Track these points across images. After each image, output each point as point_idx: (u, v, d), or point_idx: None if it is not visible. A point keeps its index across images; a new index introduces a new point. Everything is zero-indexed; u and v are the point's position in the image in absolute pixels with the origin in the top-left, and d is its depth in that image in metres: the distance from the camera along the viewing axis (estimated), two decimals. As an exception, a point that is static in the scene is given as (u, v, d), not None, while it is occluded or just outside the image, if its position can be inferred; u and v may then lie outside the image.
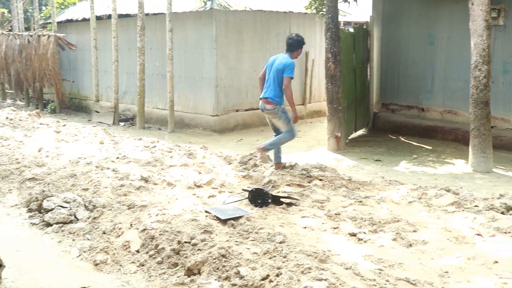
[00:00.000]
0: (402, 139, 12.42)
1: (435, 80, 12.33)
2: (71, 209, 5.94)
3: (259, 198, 6.12)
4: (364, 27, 13.13)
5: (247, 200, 6.18)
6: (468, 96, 9.70)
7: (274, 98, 7.83)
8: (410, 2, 12.57)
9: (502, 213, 5.90)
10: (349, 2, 12.86)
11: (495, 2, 10.67)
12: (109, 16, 16.29)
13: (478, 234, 5.20)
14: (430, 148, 11.46)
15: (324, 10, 11.23)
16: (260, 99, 8.04)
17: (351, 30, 12.80)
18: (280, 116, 7.92)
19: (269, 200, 6.10)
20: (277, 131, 8.17)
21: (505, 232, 5.25)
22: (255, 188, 6.22)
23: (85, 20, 17.76)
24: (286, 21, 15.52)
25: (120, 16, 16.11)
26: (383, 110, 13.46)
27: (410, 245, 4.96)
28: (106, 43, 17.16)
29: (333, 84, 11.02)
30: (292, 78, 7.74)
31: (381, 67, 13.36)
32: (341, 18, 16.05)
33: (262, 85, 8.07)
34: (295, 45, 7.96)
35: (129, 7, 16.37)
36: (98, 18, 16.99)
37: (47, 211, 5.96)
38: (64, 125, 11.57)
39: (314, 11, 13.42)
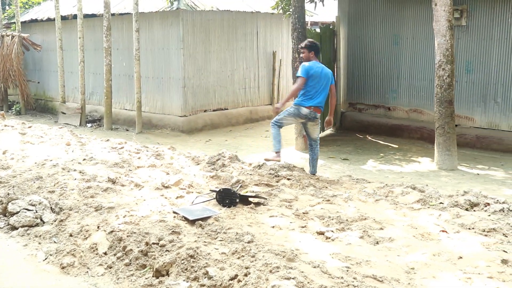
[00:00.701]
0: (369, 138, 12.56)
1: (401, 80, 12.51)
2: (37, 212, 5.86)
3: (227, 198, 6.11)
4: (331, 27, 13.24)
5: (215, 200, 6.18)
6: (433, 95, 9.87)
7: (323, 107, 8.16)
8: (376, 3, 12.72)
9: (466, 209, 6.02)
10: (315, 3, 12.96)
11: (457, 3, 10.88)
12: (75, 16, 16.11)
13: (443, 231, 5.28)
14: (397, 146, 11.62)
15: (291, 10, 11.30)
16: (309, 108, 7.96)
17: (318, 30, 12.88)
18: (319, 122, 8.32)
19: (237, 200, 6.11)
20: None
21: (469, 228, 5.36)
22: (222, 188, 6.22)
23: (50, 20, 17.52)
24: (253, 21, 15.56)
25: (86, 16, 15.95)
26: (350, 109, 13.59)
27: (377, 243, 5.01)
28: (72, 43, 16.95)
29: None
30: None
31: (347, 67, 13.49)
32: (308, 18, 16.17)
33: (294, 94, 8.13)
34: (318, 49, 8.28)
35: (95, 7, 16.21)
36: (64, 18, 16.78)
37: (12, 214, 5.87)
38: (29, 127, 11.39)
39: (281, 11, 13.49)
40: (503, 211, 5.87)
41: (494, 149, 10.89)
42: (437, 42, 9.43)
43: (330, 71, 8.09)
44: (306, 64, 7.98)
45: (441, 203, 6.20)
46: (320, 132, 12.56)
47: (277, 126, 8.11)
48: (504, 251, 4.73)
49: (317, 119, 8.13)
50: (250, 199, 6.21)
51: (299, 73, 7.95)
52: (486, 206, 6.06)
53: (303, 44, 8.21)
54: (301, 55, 8.33)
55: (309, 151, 8.40)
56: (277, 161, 7.96)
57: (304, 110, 7.96)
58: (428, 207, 6.08)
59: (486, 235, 5.16)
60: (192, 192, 6.62)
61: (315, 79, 7.91)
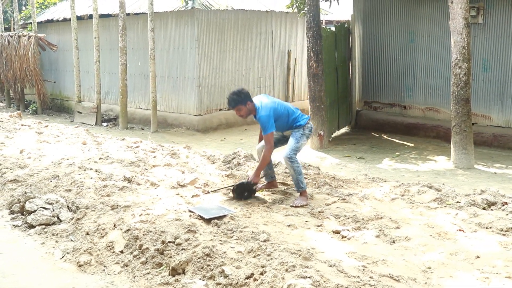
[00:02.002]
0: (385, 136, 12.50)
1: (417, 78, 12.44)
2: (54, 211, 5.90)
3: (245, 191, 6.27)
4: (346, 25, 13.19)
5: (232, 194, 6.35)
6: (449, 94, 9.80)
7: None
8: (391, 0, 12.65)
9: (484, 208, 5.97)
10: (330, 1, 12.92)
11: (474, 0, 10.79)
12: (90, 16, 16.20)
13: (460, 230, 5.25)
14: (413, 145, 11.56)
15: (306, 9, 11.27)
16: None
17: (333, 28, 12.85)
18: None
19: (255, 188, 6.34)
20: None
21: (486, 228, 5.31)
22: (237, 185, 6.37)
23: (65, 20, 17.63)
24: (268, 20, 15.55)
25: (101, 16, 16.02)
26: (365, 108, 13.53)
27: (393, 242, 4.99)
28: (88, 43, 17.06)
29: (315, 83, 11.05)
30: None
31: (363, 65, 13.43)
32: (322, 17, 16.11)
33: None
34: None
35: (110, 7, 16.29)
36: (79, 18, 16.88)
37: (30, 213, 5.91)
38: (46, 126, 11.47)
39: (296, 10, 13.46)
40: (521, 210, 5.81)
41: (511, 147, 10.79)
42: (453, 40, 9.36)
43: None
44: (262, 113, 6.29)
45: (458, 202, 6.16)
46: (335, 130, 12.61)
47: (296, 158, 6.42)
48: (522, 250, 4.69)
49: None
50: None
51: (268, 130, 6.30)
52: (503, 205, 6.01)
53: (232, 105, 6.42)
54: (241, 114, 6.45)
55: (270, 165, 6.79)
56: (307, 204, 6.18)
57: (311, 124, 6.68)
58: (445, 206, 6.04)
59: (504, 235, 5.11)
60: (208, 191, 6.62)
61: (277, 112, 6.37)
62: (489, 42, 11.05)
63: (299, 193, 6.36)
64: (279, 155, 6.84)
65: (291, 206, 6.08)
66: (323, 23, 18.57)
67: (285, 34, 16.20)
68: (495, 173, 9.20)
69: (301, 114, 6.64)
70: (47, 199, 6.04)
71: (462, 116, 9.43)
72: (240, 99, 6.33)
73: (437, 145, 11.41)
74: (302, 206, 6.09)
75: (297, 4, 13.20)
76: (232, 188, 6.41)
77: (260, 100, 6.46)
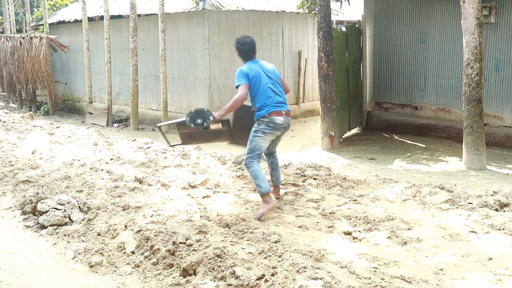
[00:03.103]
0: (396, 137, 12.45)
1: (428, 78, 12.37)
2: (65, 211, 5.93)
3: (199, 118, 5.62)
4: (357, 26, 13.15)
5: (186, 121, 5.68)
6: (461, 94, 9.74)
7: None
8: (402, 1, 12.60)
9: (496, 210, 5.93)
10: (341, 2, 12.88)
11: (486, 0, 10.72)
12: (101, 17, 16.27)
13: (472, 231, 5.22)
14: (424, 146, 11.50)
15: (316, 9, 11.24)
16: (281, 113, 6.00)
17: (344, 29, 12.82)
18: None
19: (211, 118, 5.58)
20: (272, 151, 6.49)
21: (499, 229, 5.28)
22: (194, 109, 5.72)
23: (77, 21, 17.73)
24: (279, 20, 15.54)
25: (112, 17, 16.09)
26: (376, 108, 13.49)
27: (405, 243, 4.97)
28: (99, 44, 17.13)
29: (326, 83, 11.03)
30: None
31: (374, 66, 13.39)
32: (333, 17, 16.09)
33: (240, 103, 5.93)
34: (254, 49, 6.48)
35: (121, 8, 16.35)
36: (90, 19, 16.96)
37: (42, 213, 5.94)
38: (57, 127, 11.53)
39: (307, 10, 13.45)
40: (534, 212, 5.77)
41: (524, 148, 10.72)
42: (465, 40, 9.30)
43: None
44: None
45: (470, 203, 6.12)
46: (346, 131, 12.57)
47: (255, 161, 5.94)
48: (535, 252, 4.65)
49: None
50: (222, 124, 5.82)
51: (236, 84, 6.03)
52: (516, 206, 5.97)
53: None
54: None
55: (269, 162, 6.53)
56: (272, 208, 5.82)
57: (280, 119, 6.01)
58: (457, 208, 6.01)
59: (516, 236, 5.08)
60: (219, 192, 6.63)
61: (268, 78, 6.12)
62: (501, 42, 10.98)
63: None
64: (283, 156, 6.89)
65: (256, 218, 5.59)
66: (334, 24, 18.55)
67: (296, 34, 16.19)
68: (508, 174, 9.14)
69: (266, 104, 5.92)
70: (59, 199, 6.07)
71: (474, 117, 9.37)
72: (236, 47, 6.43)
73: (448, 145, 11.34)
74: (263, 214, 5.66)
75: (308, 5, 13.18)
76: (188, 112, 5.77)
77: (255, 62, 6.31)
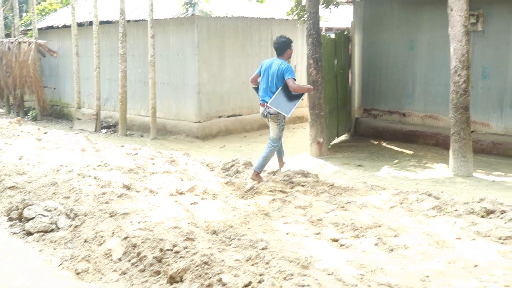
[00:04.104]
0: (384, 144, 12.50)
1: (416, 85, 12.44)
2: (52, 218, 5.90)
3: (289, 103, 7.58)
4: (346, 33, 13.21)
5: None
6: (448, 101, 9.80)
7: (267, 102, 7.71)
8: (391, 8, 12.68)
9: (482, 217, 5.97)
10: (330, 8, 12.95)
11: (473, 8, 10.79)
12: (91, 23, 16.23)
13: (459, 238, 5.25)
14: (412, 153, 11.55)
15: (306, 16, 11.29)
16: (261, 104, 7.82)
17: (333, 36, 12.87)
18: (280, 121, 7.76)
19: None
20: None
21: (485, 236, 5.31)
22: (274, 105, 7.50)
23: (66, 26, 17.67)
24: (268, 27, 15.57)
25: (102, 22, 16.06)
26: (365, 115, 13.54)
27: (392, 250, 4.99)
28: (88, 49, 17.08)
29: (314, 90, 11.05)
30: (294, 79, 7.58)
31: (362, 73, 13.44)
32: (322, 24, 16.15)
33: (256, 87, 8.16)
34: (281, 48, 7.88)
35: (110, 13, 16.32)
36: (80, 24, 16.92)
37: (28, 220, 5.91)
38: (45, 133, 11.49)
39: (296, 17, 13.49)
40: (520, 219, 5.81)
41: (510, 155, 10.78)
42: (452, 47, 9.37)
43: (283, 67, 7.67)
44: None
45: (456, 210, 6.16)
46: (335, 138, 12.60)
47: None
48: (521, 259, 4.69)
49: (275, 117, 7.68)
50: None
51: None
52: (502, 213, 6.01)
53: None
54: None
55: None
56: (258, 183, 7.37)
57: (260, 108, 7.92)
58: (444, 214, 6.05)
59: (502, 243, 5.12)
60: (207, 199, 6.63)
61: (263, 75, 7.97)
62: (488, 50, 11.07)
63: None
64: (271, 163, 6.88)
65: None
66: (323, 30, 18.61)
67: (285, 41, 16.19)
68: (494, 181, 9.20)
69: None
70: (46, 206, 6.04)
71: (461, 124, 9.43)
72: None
73: (436, 152, 11.40)
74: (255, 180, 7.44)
75: (297, 11, 13.23)
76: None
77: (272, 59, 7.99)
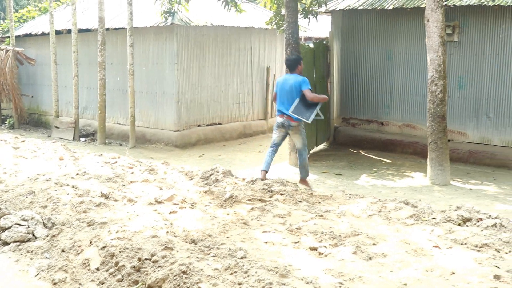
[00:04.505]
0: (363, 153, 12.58)
1: (394, 95, 12.56)
2: (29, 227, 5.83)
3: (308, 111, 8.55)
4: (324, 42, 13.30)
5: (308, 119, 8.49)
6: (426, 110, 9.92)
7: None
8: (369, 18, 12.81)
9: (459, 224, 6.04)
10: (309, 18, 13.04)
11: (449, 19, 10.97)
12: (69, 31, 16.15)
13: (436, 246, 5.30)
14: (390, 161, 11.65)
15: (285, 25, 11.35)
16: (280, 115, 8.75)
17: (311, 45, 12.95)
18: (301, 132, 8.85)
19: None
20: (279, 143, 9.04)
21: (461, 244, 5.37)
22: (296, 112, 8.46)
23: (44, 34, 17.55)
24: (247, 36, 15.63)
25: (81, 30, 15.99)
26: (343, 124, 13.63)
27: (370, 258, 5.01)
28: (66, 57, 16.98)
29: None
30: (311, 89, 8.63)
31: (341, 82, 13.54)
32: (301, 34, 16.25)
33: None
34: (293, 64, 8.86)
35: (89, 21, 16.25)
36: (58, 32, 16.82)
37: (4, 229, 5.83)
38: (22, 141, 11.38)
39: (275, 26, 13.56)
40: (496, 226, 5.88)
41: (486, 164, 10.94)
42: (429, 57, 9.49)
43: (299, 80, 8.63)
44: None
45: (434, 218, 6.22)
46: (314, 147, 12.64)
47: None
48: (496, 266, 4.74)
49: (295, 128, 8.76)
50: None
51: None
52: (478, 221, 6.08)
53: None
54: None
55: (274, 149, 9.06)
56: (307, 187, 8.50)
57: (279, 119, 8.81)
58: (421, 223, 6.10)
59: (478, 251, 5.17)
60: (186, 207, 6.61)
61: (278, 92, 8.80)
62: (464, 60, 11.24)
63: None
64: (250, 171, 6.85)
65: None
66: (302, 40, 18.72)
67: (264, 50, 16.30)
68: (471, 189, 9.31)
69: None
70: (22, 215, 5.97)
71: (438, 133, 9.54)
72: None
73: (414, 161, 11.51)
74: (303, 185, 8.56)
75: (276, 21, 13.29)
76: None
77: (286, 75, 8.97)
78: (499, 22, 10.74)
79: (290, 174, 10.41)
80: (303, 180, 8.88)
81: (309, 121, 8.58)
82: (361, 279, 4.49)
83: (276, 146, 8.99)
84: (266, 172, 8.71)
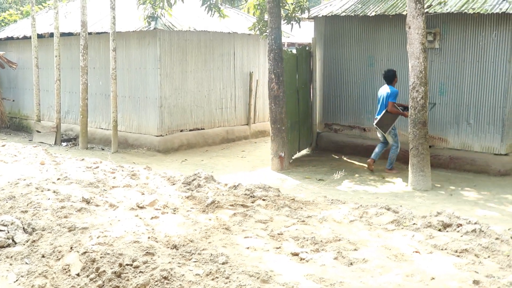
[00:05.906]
0: (345, 158, 12.64)
1: (376, 101, 12.62)
2: (8, 233, 5.78)
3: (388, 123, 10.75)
4: (307, 48, 13.36)
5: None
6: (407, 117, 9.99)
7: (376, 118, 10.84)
8: (351, 25, 12.89)
9: (439, 230, 6.10)
10: (292, 24, 13.09)
11: (430, 26, 11.08)
12: (51, 35, 16.05)
13: (416, 252, 5.34)
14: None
15: (268, 31, 11.40)
16: (375, 119, 10.93)
17: (294, 51, 13.00)
18: (390, 132, 10.77)
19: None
20: (383, 141, 11.18)
21: (441, 249, 5.42)
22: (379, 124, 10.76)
23: (26, 38, 17.42)
24: (230, 41, 15.65)
25: (63, 34, 15.90)
26: (326, 130, 13.68)
27: (351, 264, 5.04)
28: (48, 61, 16.87)
29: (276, 105, 11.15)
30: (394, 102, 10.56)
31: (323, 88, 13.60)
32: (284, 40, 16.30)
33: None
34: (390, 77, 10.76)
35: (71, 25, 16.17)
36: (40, 36, 16.71)
37: (-16, 235, 5.78)
38: (3, 145, 11.28)
39: (258, 32, 13.60)
40: (475, 232, 5.95)
41: (467, 169, 11.04)
42: (411, 64, 9.58)
43: (389, 92, 10.61)
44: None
45: (414, 224, 6.27)
46: (296, 152, 12.69)
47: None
48: (475, 271, 4.80)
49: (379, 129, 10.88)
50: None
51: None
52: (458, 226, 6.15)
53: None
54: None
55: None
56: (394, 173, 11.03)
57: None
58: (402, 228, 6.15)
59: (458, 256, 5.23)
60: (167, 213, 6.59)
61: (379, 100, 10.99)
62: (445, 67, 11.34)
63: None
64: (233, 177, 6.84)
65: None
66: (285, 46, 18.78)
67: (247, 55, 16.32)
68: (451, 195, 9.40)
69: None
70: (2, 220, 5.92)
71: (419, 139, 9.62)
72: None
73: (395, 167, 11.57)
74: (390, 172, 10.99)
75: (259, 27, 13.34)
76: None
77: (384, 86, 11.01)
78: (479, 29, 10.86)
79: (273, 179, 10.43)
80: (388, 170, 10.95)
81: (386, 134, 10.73)
82: (342, 285, 4.52)
83: (382, 143, 11.14)
84: (374, 161, 11.04)
